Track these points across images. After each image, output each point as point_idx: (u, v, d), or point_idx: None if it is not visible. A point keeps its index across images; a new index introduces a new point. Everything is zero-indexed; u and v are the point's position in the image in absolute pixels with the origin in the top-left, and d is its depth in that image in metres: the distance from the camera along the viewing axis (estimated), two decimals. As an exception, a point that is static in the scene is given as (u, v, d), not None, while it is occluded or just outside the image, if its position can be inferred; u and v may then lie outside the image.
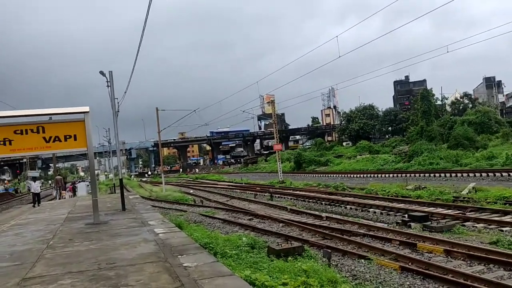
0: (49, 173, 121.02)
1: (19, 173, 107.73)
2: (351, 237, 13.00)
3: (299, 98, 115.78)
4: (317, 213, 19.05)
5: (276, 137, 39.17)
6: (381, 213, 17.76)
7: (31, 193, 23.75)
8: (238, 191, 34.34)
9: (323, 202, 22.54)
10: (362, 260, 10.48)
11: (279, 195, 27.42)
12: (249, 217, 19.19)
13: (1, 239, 10.18)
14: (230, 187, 38.81)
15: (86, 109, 11.20)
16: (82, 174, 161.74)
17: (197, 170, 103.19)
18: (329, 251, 10.56)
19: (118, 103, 16.85)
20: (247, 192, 32.43)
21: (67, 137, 11.12)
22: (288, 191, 29.26)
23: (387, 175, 38.43)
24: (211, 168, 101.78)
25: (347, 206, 20.39)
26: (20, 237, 10.10)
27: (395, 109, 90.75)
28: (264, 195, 28.79)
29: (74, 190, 36.74)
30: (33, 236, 10.02)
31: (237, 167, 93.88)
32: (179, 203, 27.94)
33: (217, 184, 45.64)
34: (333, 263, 10.36)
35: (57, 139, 11.03)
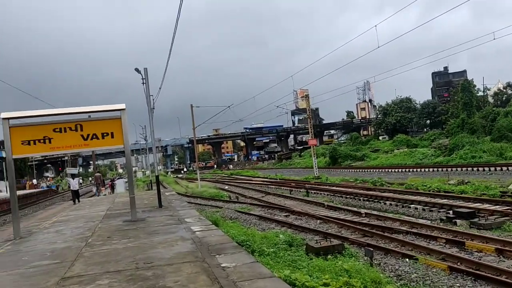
0: (89, 170, 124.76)
1: (61, 171, 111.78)
2: (393, 235, 12.50)
3: (333, 92, 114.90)
4: (355, 209, 18.55)
5: (311, 131, 38.62)
6: (423, 209, 17.06)
7: (71, 190, 23.75)
8: (273, 187, 34.09)
9: (361, 198, 21.94)
10: (407, 259, 10.01)
11: (315, 191, 26.98)
12: (286, 214, 18.92)
13: (43, 236, 10.35)
14: (265, 183, 38.62)
15: (122, 106, 11.21)
16: (120, 171, 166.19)
17: (231, 166, 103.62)
18: (371, 249, 10.15)
19: (153, 99, 16.92)
20: (282, 188, 32.13)
21: (104, 134, 11.16)
22: (324, 186, 28.76)
23: (426, 170, 37.21)
24: (246, 164, 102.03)
25: (387, 202, 19.75)
26: (60, 235, 10.22)
27: (433, 102, 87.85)
28: (300, 191, 28.43)
29: (112, 187, 37.72)
30: (73, 234, 10.12)
31: (271, 162, 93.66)
32: (215, 199, 27.99)
33: (251, 180, 45.58)
34: (376, 262, 9.95)
35: (94, 136, 11.09)
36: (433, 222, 14.71)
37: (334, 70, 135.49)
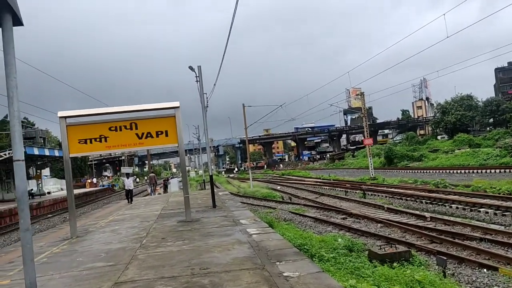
0: (144, 169, 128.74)
1: (118, 170, 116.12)
2: (465, 241, 11.41)
3: (387, 90, 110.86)
4: (418, 212, 17.42)
5: (366, 131, 37.24)
6: (495, 214, 15.67)
7: (125, 190, 23.74)
8: (327, 187, 33.13)
9: (423, 201, 20.63)
10: (484, 270, 9.00)
11: (372, 193, 25.82)
12: (342, 216, 18.08)
13: (99, 235, 10.28)
14: (318, 183, 37.70)
15: (177, 104, 10.97)
16: (174, 170, 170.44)
17: (281, 166, 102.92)
18: (444, 258, 9.20)
19: (207, 97, 16.73)
20: (337, 189, 31.12)
21: (159, 133, 10.99)
22: (382, 188, 27.48)
23: (492, 171, 34.73)
24: (298, 164, 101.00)
25: (452, 205, 18.38)
26: (115, 234, 10.11)
27: (497, 99, 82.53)
28: (356, 192, 27.36)
29: (165, 186, 38.16)
30: (127, 234, 9.96)
31: (323, 163, 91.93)
32: (267, 200, 27.53)
33: (304, 180, 44.75)
34: (449, 272, 9.02)
35: (149, 135, 10.95)
36: (507, 227, 13.39)
37: (388, 68, 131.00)
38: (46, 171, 65.00)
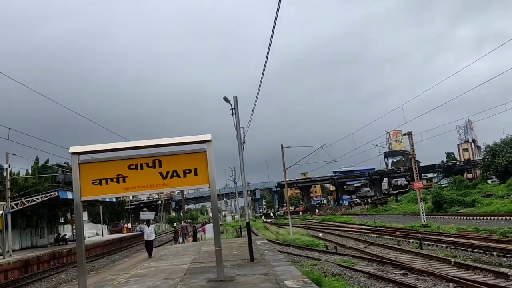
0: (181, 214, 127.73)
1: (156, 214, 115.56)
2: None
3: (429, 133, 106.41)
4: (492, 268, 14.56)
5: (416, 173, 34.34)
6: None
7: (144, 241, 19.16)
8: (374, 235, 30.12)
9: (494, 253, 17.61)
10: None
11: (428, 242, 22.82)
12: (402, 272, 15.40)
13: (111, 297, 8.37)
14: (364, 230, 34.64)
15: (208, 137, 9.23)
16: (211, 215, 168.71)
17: (317, 211, 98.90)
18: None
19: (243, 132, 15.03)
20: (385, 237, 28.11)
21: (187, 171, 9.21)
22: (439, 237, 24.39)
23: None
24: (339, 209, 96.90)
25: (534, 259, 15.37)
26: (131, 297, 8.17)
27: (550, 139, 77.02)
28: (409, 241, 24.39)
29: (194, 234, 35.22)
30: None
31: (365, 208, 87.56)
32: (309, 249, 25.01)
33: (347, 227, 41.66)
34: None
35: (175, 174, 9.18)
36: None
37: (429, 110, 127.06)
38: (83, 216, 64.80)
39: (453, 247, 20.53)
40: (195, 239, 33.39)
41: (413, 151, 34.25)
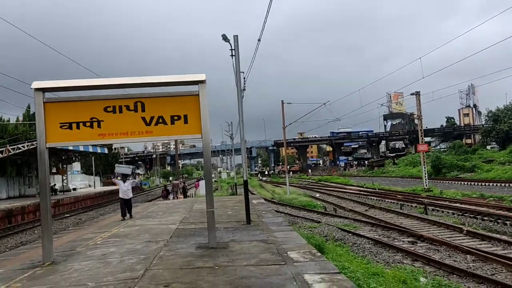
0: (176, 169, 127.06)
1: (149, 168, 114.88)
2: None
3: (430, 96, 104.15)
4: (506, 238, 13.44)
5: (421, 135, 32.90)
6: None
7: (119, 199, 15.14)
8: (374, 198, 29.05)
9: (508, 223, 16.44)
10: None
11: (433, 207, 21.69)
12: (409, 239, 14.21)
13: (79, 265, 7.00)
14: (362, 192, 33.61)
15: (202, 77, 7.56)
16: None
17: (309, 171, 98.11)
18: None
19: (244, 78, 13.27)
20: (386, 200, 27.01)
21: (175, 118, 7.62)
22: (443, 202, 23.24)
23: None
24: (332, 170, 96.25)
25: (553, 231, 14.19)
26: (102, 265, 6.79)
27: (555, 107, 75.49)
28: (412, 206, 23.30)
29: (184, 191, 34.07)
30: (118, 268, 6.61)
31: (361, 170, 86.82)
32: (308, 210, 23.93)
33: (345, 188, 40.71)
34: None
35: (161, 120, 7.59)
36: None
37: (431, 73, 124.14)
38: (76, 167, 63.54)
39: (460, 213, 19.37)
40: (185, 196, 32.30)
41: (420, 112, 32.64)
